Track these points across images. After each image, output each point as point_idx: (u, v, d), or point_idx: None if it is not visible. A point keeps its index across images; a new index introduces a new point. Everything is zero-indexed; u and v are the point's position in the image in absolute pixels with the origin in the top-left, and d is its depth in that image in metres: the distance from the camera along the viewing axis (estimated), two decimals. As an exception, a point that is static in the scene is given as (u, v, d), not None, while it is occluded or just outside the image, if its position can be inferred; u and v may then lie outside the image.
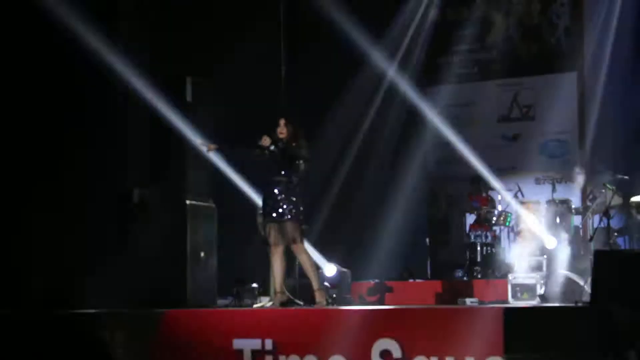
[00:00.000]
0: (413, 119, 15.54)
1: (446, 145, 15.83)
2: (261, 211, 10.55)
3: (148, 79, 12.14)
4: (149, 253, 11.06)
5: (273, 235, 10.32)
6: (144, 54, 12.50)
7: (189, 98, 11.31)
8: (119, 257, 11.47)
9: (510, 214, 13.68)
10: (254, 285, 12.79)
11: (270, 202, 10.29)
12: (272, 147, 10.23)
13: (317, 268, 10.94)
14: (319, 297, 10.27)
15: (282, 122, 10.45)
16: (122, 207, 11.59)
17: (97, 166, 12.08)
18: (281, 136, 10.36)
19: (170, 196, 11.22)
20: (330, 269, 12.19)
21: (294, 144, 10.33)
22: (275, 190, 10.25)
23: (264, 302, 12.15)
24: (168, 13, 12.87)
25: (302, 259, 10.49)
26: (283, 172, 10.28)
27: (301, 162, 10.35)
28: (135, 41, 12.44)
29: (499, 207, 13.95)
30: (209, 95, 11.67)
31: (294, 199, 10.26)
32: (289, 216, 10.19)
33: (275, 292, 10.45)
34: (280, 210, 10.20)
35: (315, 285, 10.39)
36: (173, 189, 11.23)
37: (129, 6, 12.38)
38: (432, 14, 16.35)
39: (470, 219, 14.46)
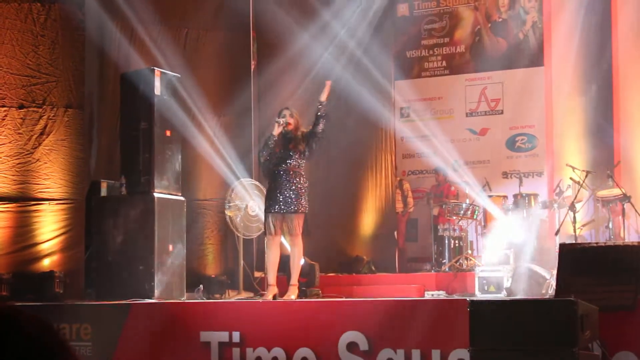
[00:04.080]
0: (382, 113, 15.59)
1: (414, 139, 15.93)
2: (266, 202, 10.40)
3: (117, 71, 12.13)
4: (116, 245, 11.04)
5: (276, 225, 10.21)
6: (112, 47, 12.46)
7: (157, 91, 11.27)
8: (86, 249, 11.49)
9: (478, 207, 13.74)
10: (223, 278, 12.83)
11: (277, 192, 10.20)
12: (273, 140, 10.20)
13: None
14: (291, 291, 10.22)
15: (287, 112, 10.36)
16: (90, 200, 11.57)
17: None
18: (289, 127, 10.28)
19: (139, 189, 11.19)
20: (301, 261, 12.23)
21: (298, 134, 10.28)
22: (282, 181, 10.20)
23: (233, 295, 12.21)
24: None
25: (294, 251, 10.34)
26: (289, 163, 10.25)
27: (306, 151, 10.26)
28: (103, 33, 12.39)
29: (467, 200, 14.02)
30: (177, 88, 11.64)
31: (301, 189, 10.22)
32: (296, 207, 10.15)
33: (268, 284, 10.38)
34: (288, 201, 10.14)
35: (293, 279, 10.32)
36: (141, 181, 11.19)
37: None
38: (401, 7, 16.43)
39: (437, 212, 14.55)
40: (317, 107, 10.27)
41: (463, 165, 15.19)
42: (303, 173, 10.29)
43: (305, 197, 10.22)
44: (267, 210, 10.24)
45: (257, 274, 12.74)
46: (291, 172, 10.16)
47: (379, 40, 15.68)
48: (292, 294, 10.18)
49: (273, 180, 10.23)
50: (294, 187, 10.13)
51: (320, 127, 10.19)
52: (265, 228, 10.35)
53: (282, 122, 10.17)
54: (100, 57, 12.26)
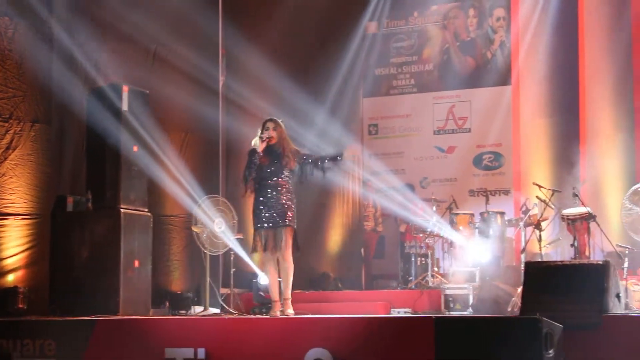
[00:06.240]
0: (349, 130, 15.65)
1: (381, 156, 15.98)
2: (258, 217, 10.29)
3: (85, 86, 12.08)
4: (82, 261, 11.00)
5: (270, 242, 10.03)
6: (80, 62, 12.42)
7: (125, 107, 11.26)
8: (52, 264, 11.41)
9: (443, 226, 13.76)
10: (189, 294, 12.79)
11: (265, 207, 10.03)
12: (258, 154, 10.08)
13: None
14: (287, 306, 10.10)
15: (270, 125, 10.24)
16: (56, 215, 11.50)
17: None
18: (272, 141, 10.17)
19: (105, 204, 11.16)
20: (264, 278, 12.21)
21: (287, 151, 10.20)
22: (271, 196, 10.07)
23: (199, 311, 12.17)
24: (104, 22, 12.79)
25: (285, 265, 10.10)
26: (278, 176, 10.10)
27: (296, 165, 10.18)
28: (71, 49, 12.35)
29: (434, 218, 14.03)
30: (145, 104, 11.64)
31: (290, 203, 10.10)
32: (285, 221, 10.01)
33: (274, 301, 10.26)
34: (278, 214, 9.99)
35: (286, 293, 10.16)
36: (107, 196, 11.17)
37: (64, 12, 12.29)
38: (370, 25, 16.51)
39: (404, 229, 14.58)
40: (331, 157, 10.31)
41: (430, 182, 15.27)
42: (291, 187, 10.19)
43: (294, 211, 10.12)
44: (258, 227, 10.10)
45: (223, 290, 12.71)
46: (279, 187, 10.04)
47: (348, 58, 15.77)
48: (289, 309, 10.05)
49: (261, 194, 10.08)
50: (282, 201, 10.02)
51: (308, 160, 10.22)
52: (256, 245, 10.17)
53: (265, 137, 10.08)
54: (68, 72, 12.20)
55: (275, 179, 10.04)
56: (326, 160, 10.27)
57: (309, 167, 10.25)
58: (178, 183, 12.90)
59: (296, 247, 10.19)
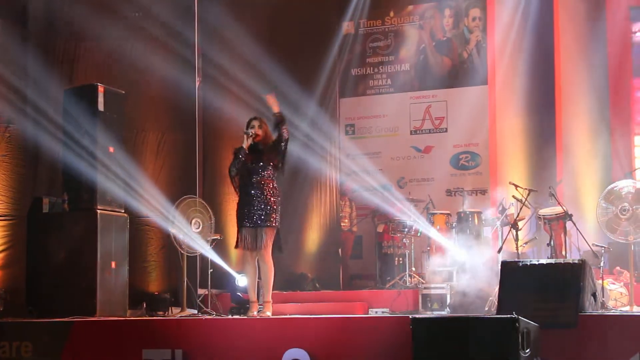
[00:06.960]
0: (326, 130, 15.64)
1: (359, 156, 15.98)
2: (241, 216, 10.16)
3: (60, 87, 12.02)
4: (58, 262, 10.95)
5: (250, 240, 10.02)
6: (55, 63, 12.36)
7: (100, 107, 11.23)
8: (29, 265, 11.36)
9: (420, 226, 13.78)
10: (166, 295, 12.75)
11: (249, 206, 10.00)
12: (243, 153, 10.04)
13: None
14: (267, 308, 10.07)
15: (255, 123, 10.23)
16: (32, 216, 11.46)
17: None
18: (257, 139, 10.14)
19: (81, 205, 11.13)
20: (242, 280, 12.20)
21: (268, 145, 10.16)
22: (255, 194, 10.03)
23: (176, 312, 12.14)
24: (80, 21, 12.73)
25: (265, 267, 10.09)
26: (262, 175, 10.11)
27: (280, 164, 10.16)
28: (46, 50, 12.30)
29: (411, 218, 14.04)
30: (121, 104, 11.61)
31: (273, 202, 10.07)
32: (268, 221, 9.98)
33: (252, 302, 10.23)
34: (260, 214, 9.96)
35: (267, 296, 10.13)
36: (84, 198, 11.13)
37: (39, 13, 12.23)
38: (347, 25, 16.50)
39: (381, 229, 14.58)
40: (274, 118, 10.18)
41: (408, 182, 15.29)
42: (276, 185, 10.15)
43: (277, 211, 10.09)
44: (240, 225, 10.08)
45: (200, 291, 12.69)
46: (263, 185, 10.01)
47: (324, 58, 15.76)
48: (268, 311, 10.04)
49: (245, 193, 10.06)
50: (266, 201, 9.99)
51: (285, 132, 10.10)
52: (238, 242, 10.16)
53: (250, 134, 10.06)
54: (44, 73, 12.14)
55: (258, 177, 10.02)
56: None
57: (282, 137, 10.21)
58: (155, 183, 12.87)
59: (278, 248, 10.18)
